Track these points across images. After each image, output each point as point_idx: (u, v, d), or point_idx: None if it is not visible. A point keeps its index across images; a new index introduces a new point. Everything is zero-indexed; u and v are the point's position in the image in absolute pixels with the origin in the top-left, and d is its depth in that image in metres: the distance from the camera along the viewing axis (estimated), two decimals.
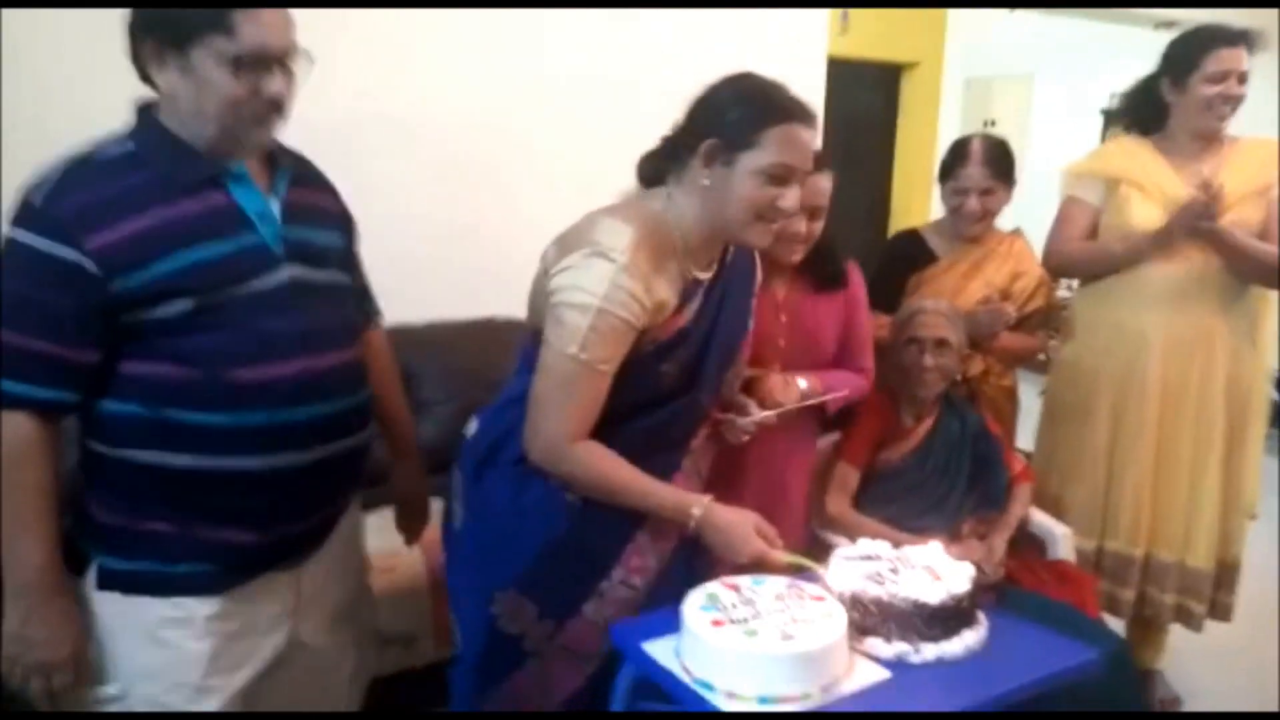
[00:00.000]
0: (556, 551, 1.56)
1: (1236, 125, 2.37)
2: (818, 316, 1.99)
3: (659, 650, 1.33)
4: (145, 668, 1.38)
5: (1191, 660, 2.67)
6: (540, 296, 1.53)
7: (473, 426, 1.71)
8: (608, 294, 1.41)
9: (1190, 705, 2.54)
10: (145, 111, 1.37)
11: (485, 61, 3.12)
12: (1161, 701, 2.48)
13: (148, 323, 1.29)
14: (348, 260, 1.57)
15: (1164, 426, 2.35)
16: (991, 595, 1.73)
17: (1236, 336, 2.34)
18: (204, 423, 1.32)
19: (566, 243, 1.51)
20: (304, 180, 1.49)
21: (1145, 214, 2.29)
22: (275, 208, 1.40)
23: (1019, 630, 1.45)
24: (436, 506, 1.85)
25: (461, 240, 3.20)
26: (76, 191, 1.26)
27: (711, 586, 1.37)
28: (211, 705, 1.40)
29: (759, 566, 1.49)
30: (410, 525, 1.87)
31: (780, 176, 1.47)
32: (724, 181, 1.47)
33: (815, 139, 1.52)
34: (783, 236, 1.82)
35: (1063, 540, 2.28)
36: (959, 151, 2.40)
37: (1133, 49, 5.49)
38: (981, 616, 1.42)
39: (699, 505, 1.50)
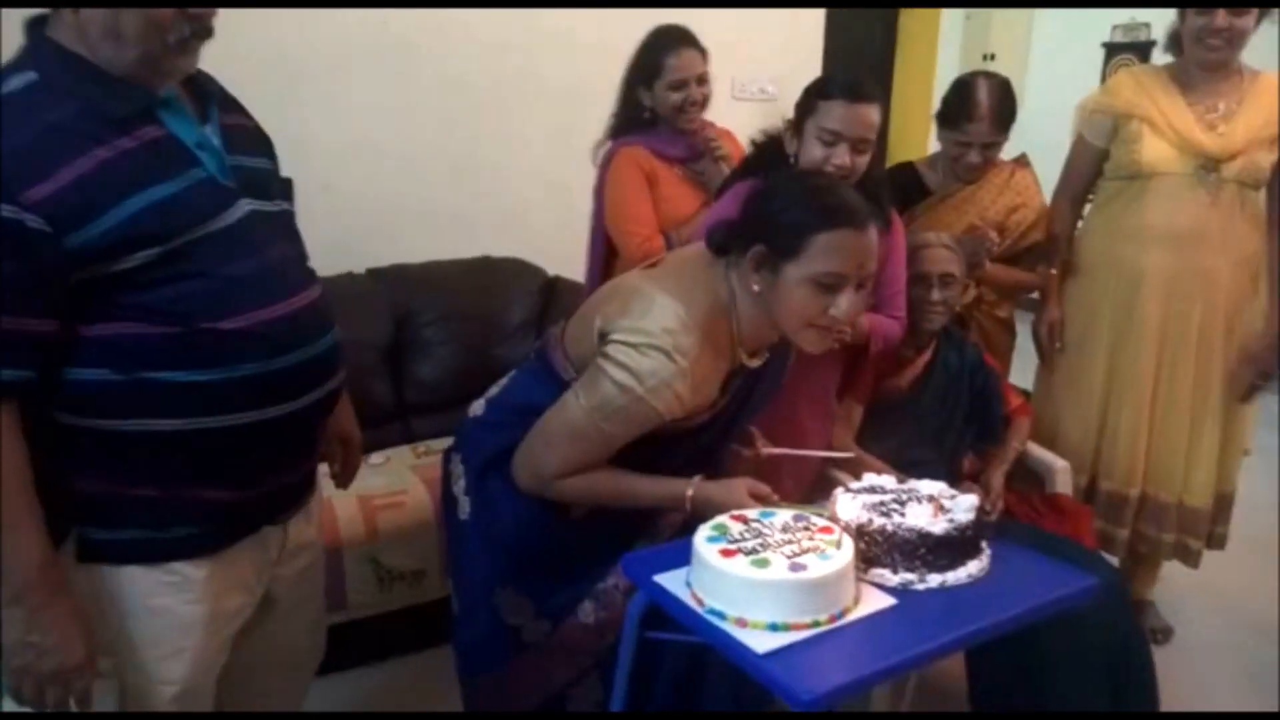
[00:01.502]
0: (555, 558, 1.59)
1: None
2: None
3: (670, 581, 1.35)
4: (138, 638, 1.30)
5: (1182, 591, 2.72)
6: (587, 332, 1.52)
7: (479, 408, 1.71)
8: (655, 389, 1.42)
9: (1181, 636, 2.60)
10: (38, 31, 1.18)
11: None
12: (1154, 632, 2.53)
13: (109, 279, 1.15)
14: (287, 187, 1.46)
15: (1162, 367, 2.36)
16: (990, 527, 1.76)
17: (1239, 279, 2.33)
18: (189, 381, 1.21)
19: (628, 305, 1.48)
20: (228, 103, 1.35)
21: (1154, 149, 2.27)
22: (214, 136, 1.27)
23: (1020, 559, 1.47)
24: (441, 446, 1.86)
25: (459, 178, 3.17)
26: None
27: (720, 519, 1.39)
28: (193, 666, 1.34)
29: None
30: (347, 468, 1.71)
31: (829, 285, 1.42)
32: (772, 289, 1.45)
33: (870, 239, 1.44)
34: (827, 169, 1.80)
35: (1061, 474, 2.31)
36: (966, 101, 2.29)
37: None
38: (985, 547, 1.44)
39: (690, 486, 1.53)
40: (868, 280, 1.47)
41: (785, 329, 1.50)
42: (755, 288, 1.46)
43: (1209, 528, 2.45)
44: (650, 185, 2.37)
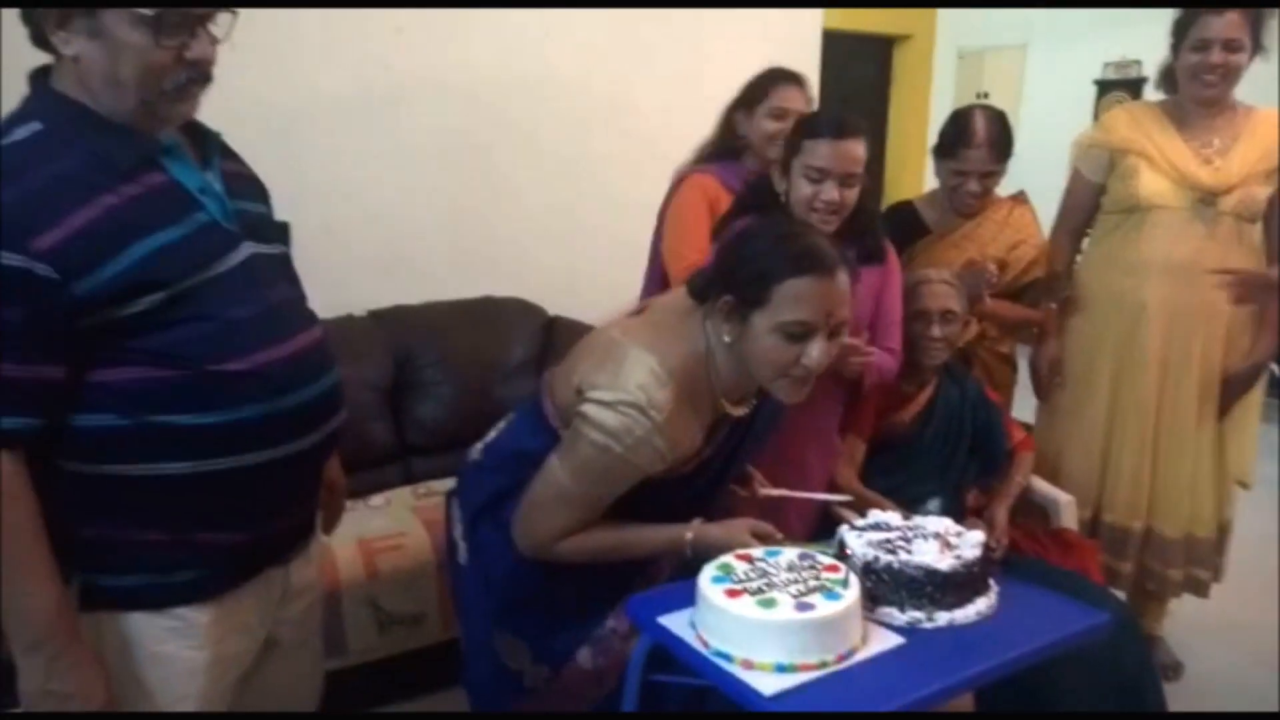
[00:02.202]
0: (549, 603, 1.58)
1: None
2: (855, 290, 1.95)
3: (674, 622, 1.34)
4: (143, 686, 1.28)
5: (1193, 627, 2.69)
6: (568, 384, 1.50)
7: (477, 452, 1.71)
8: (633, 447, 1.40)
9: (1191, 671, 2.56)
10: (42, 81, 1.21)
11: (480, 38, 3.09)
12: (1164, 668, 2.50)
13: (115, 324, 1.16)
14: (284, 231, 1.45)
15: (1164, 400, 2.35)
16: (996, 564, 1.74)
17: (1238, 310, 2.32)
18: (195, 424, 1.21)
19: (603, 362, 1.46)
20: (225, 151, 1.38)
21: (1151, 183, 2.28)
22: (215, 182, 1.29)
23: (1029, 596, 1.46)
24: (442, 487, 1.85)
25: (456, 220, 3.18)
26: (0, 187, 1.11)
27: (725, 558, 1.37)
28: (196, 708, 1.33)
29: None
30: (331, 513, 1.68)
31: (798, 334, 1.40)
32: (742, 340, 1.43)
33: (840, 285, 1.42)
34: (815, 205, 1.81)
35: (1066, 509, 2.30)
36: (962, 130, 2.31)
37: (1126, 19, 5.49)
38: (992, 584, 1.43)
39: (689, 530, 1.51)
40: (840, 328, 1.45)
41: (759, 379, 1.48)
42: (726, 339, 1.44)
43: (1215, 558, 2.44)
44: (712, 215, 2.36)
